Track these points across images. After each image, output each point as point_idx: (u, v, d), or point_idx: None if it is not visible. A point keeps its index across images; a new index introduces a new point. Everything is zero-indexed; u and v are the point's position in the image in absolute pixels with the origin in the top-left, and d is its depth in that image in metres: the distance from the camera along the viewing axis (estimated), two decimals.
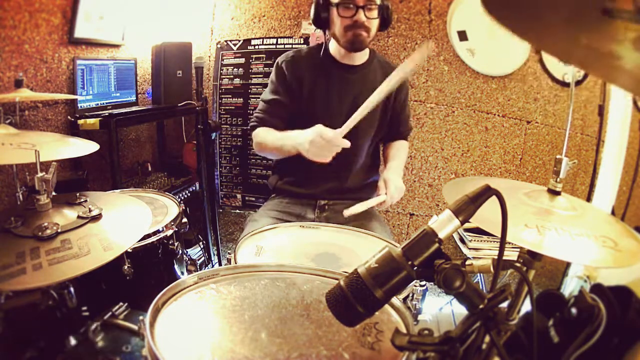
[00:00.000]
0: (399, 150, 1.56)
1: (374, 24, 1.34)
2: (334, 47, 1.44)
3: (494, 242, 1.98)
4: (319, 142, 1.16)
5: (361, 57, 1.44)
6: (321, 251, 1.06)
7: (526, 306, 0.70)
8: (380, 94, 1.14)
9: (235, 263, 0.95)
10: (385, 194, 1.32)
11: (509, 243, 0.60)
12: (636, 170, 1.74)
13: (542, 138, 2.26)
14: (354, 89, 1.42)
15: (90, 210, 0.85)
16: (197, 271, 0.78)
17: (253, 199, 2.44)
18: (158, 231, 1.19)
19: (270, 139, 1.39)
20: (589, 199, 1.97)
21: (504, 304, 0.55)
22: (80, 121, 1.75)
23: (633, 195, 1.74)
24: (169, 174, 2.27)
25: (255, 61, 2.32)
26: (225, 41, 2.37)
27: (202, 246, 1.82)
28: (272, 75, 1.48)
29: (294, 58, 1.45)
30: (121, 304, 0.88)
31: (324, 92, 1.43)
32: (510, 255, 1.35)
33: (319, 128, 1.19)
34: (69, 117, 1.84)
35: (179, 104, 2.20)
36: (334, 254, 1.05)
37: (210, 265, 1.99)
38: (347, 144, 1.18)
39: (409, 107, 1.58)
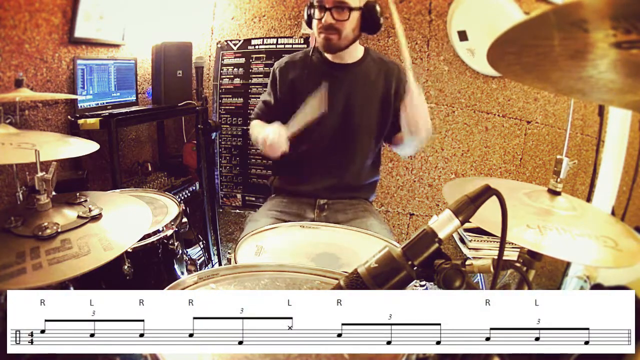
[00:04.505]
0: None
1: (347, 26, 1.34)
2: None
3: (494, 242, 1.98)
4: (270, 138, 1.27)
5: (353, 56, 1.45)
6: (321, 251, 1.05)
7: None
8: None
9: (235, 263, 0.95)
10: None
11: (510, 243, 0.60)
12: (636, 170, 1.74)
13: (542, 138, 2.26)
14: (346, 87, 1.44)
15: (90, 210, 0.85)
16: (197, 271, 0.78)
17: (253, 199, 2.44)
18: (158, 231, 1.19)
19: (254, 132, 1.48)
20: (589, 199, 1.97)
21: None
22: (80, 121, 1.75)
23: (633, 195, 1.74)
24: (169, 174, 2.27)
25: (255, 61, 2.32)
26: (226, 41, 2.37)
27: (202, 246, 1.81)
28: (269, 80, 1.56)
29: (287, 64, 1.51)
30: None
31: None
32: (511, 255, 1.36)
33: (277, 128, 1.29)
34: (69, 117, 1.84)
35: (179, 104, 2.20)
36: (334, 254, 1.04)
37: (210, 265, 1.99)
38: (284, 148, 1.27)
39: None
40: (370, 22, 1.37)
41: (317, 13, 1.35)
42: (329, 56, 1.45)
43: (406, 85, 1.51)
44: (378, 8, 1.36)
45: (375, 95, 1.46)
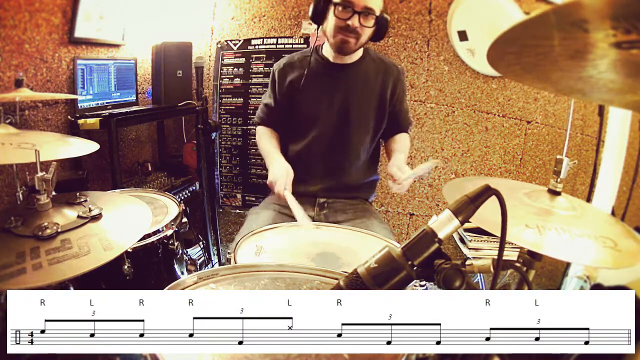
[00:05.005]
0: (402, 143, 1.53)
1: (366, 32, 1.34)
2: (326, 48, 1.46)
3: (494, 242, 1.98)
4: (277, 174, 1.31)
5: (353, 56, 1.46)
6: (321, 251, 1.06)
7: None
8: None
9: (235, 263, 0.95)
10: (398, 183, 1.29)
11: (510, 243, 0.60)
12: (636, 170, 1.74)
13: (542, 138, 2.26)
14: (344, 87, 1.44)
15: (90, 210, 0.85)
16: (197, 271, 0.78)
17: (253, 198, 2.44)
18: (158, 231, 1.18)
19: (261, 145, 1.54)
20: (589, 199, 1.97)
21: None
22: (80, 121, 1.75)
23: (633, 195, 1.74)
24: (169, 174, 2.27)
25: (255, 61, 2.32)
26: (226, 41, 2.37)
27: (202, 246, 1.81)
28: (269, 81, 1.56)
29: (285, 65, 1.51)
30: None
31: (315, 92, 1.45)
32: (510, 255, 1.36)
33: (286, 170, 1.33)
34: (69, 116, 1.84)
35: (179, 104, 2.20)
36: (334, 254, 1.05)
37: (210, 265, 1.98)
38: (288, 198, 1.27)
39: (406, 102, 1.58)
40: (381, 31, 1.38)
41: (340, 12, 1.31)
42: (329, 57, 1.45)
43: (402, 89, 1.52)
44: (389, 18, 1.37)
45: (373, 94, 1.46)
